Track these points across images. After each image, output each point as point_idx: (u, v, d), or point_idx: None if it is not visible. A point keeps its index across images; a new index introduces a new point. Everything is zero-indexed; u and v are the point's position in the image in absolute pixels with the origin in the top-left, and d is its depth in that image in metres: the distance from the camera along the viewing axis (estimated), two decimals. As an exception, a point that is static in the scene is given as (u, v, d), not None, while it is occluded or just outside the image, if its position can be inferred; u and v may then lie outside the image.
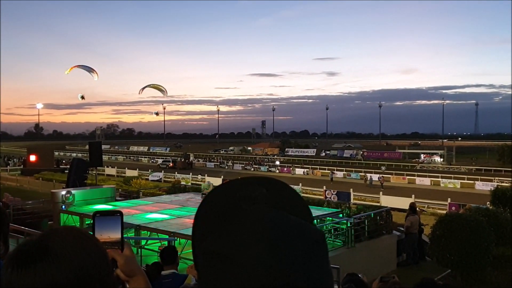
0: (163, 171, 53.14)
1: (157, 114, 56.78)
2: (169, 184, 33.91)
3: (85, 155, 39.40)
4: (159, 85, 33.06)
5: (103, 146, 36.46)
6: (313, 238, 0.69)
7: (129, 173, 51.42)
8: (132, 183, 36.48)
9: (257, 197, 0.74)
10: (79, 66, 29.52)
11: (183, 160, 71.53)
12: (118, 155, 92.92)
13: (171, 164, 65.06)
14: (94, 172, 24.80)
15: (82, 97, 37.99)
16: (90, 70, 29.87)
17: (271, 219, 0.68)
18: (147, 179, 45.39)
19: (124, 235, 1.16)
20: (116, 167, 57.76)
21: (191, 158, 76.53)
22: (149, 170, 55.43)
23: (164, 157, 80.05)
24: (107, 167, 55.72)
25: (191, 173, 49.39)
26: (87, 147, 30.21)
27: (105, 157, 52.06)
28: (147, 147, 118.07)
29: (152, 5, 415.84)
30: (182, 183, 37.09)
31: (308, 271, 0.65)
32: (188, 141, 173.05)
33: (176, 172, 51.58)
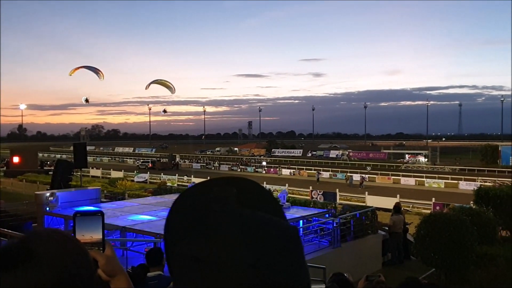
0: (148, 172, 52.88)
1: (164, 111, 54.24)
2: (155, 185, 33.76)
3: (70, 156, 38.99)
4: (167, 81, 31.32)
5: (88, 147, 36.02)
6: (288, 234, 0.69)
7: (115, 174, 51.04)
8: (117, 184, 36.22)
9: (228, 198, 0.73)
10: (83, 67, 28.55)
11: (161, 160, 71.85)
12: (103, 156, 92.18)
13: (150, 165, 65.53)
14: (79, 173, 24.54)
15: (87, 100, 36.91)
16: (95, 70, 28.80)
17: (246, 219, 0.68)
18: (133, 181, 45.10)
19: (109, 237, 1.15)
20: (101, 168, 57.30)
21: (177, 159, 76.27)
22: (135, 172, 55.11)
23: (150, 158, 79.76)
24: (92, 168, 55.26)
25: (177, 174, 49.22)
26: (71, 148, 29.89)
27: (90, 158, 51.59)
28: (132, 148, 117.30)
29: (138, 6, 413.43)
30: (168, 184, 37.01)
31: (288, 268, 0.66)
32: (174, 142, 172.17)
33: (162, 174, 51.37)
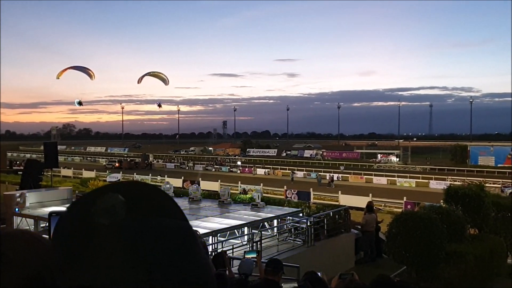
0: (121, 172, 52.20)
1: (159, 105, 51.87)
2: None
3: (40, 156, 38.13)
4: (161, 73, 30.02)
5: (59, 147, 35.28)
6: (180, 235, 0.66)
7: (86, 174, 50.22)
8: (89, 184, 35.64)
9: (114, 208, 0.67)
10: (71, 68, 27.00)
11: (128, 160, 71.58)
12: (75, 156, 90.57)
13: (117, 164, 65.36)
14: (50, 173, 24.06)
15: (80, 103, 35.24)
16: (84, 70, 27.33)
17: (130, 233, 0.63)
18: (105, 180, 44.46)
19: None
20: (72, 168, 56.29)
21: (151, 159, 75.54)
22: (107, 171, 54.33)
23: (117, 158, 79.14)
24: (63, 168, 54.23)
25: (150, 174, 48.76)
26: (42, 147, 29.23)
27: (61, 158, 50.74)
28: (104, 148, 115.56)
29: (111, 4, 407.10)
30: (141, 184, 36.56)
31: (184, 270, 0.63)
32: (148, 142, 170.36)
33: (135, 173, 50.79)
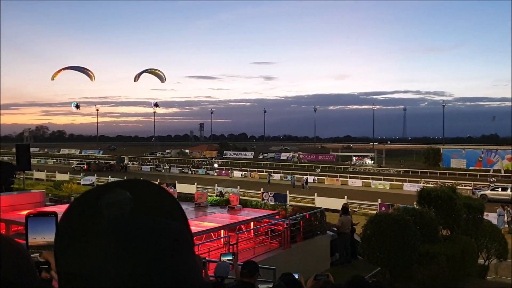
0: (95, 174, 51.42)
1: (156, 105, 49.49)
2: (103, 188, 32.87)
3: (12, 158, 37.28)
4: (158, 70, 29.14)
5: (32, 149, 34.52)
6: (171, 235, 0.67)
7: (60, 177, 49.25)
8: (63, 187, 35.08)
9: (120, 203, 0.70)
10: (68, 68, 25.54)
11: (97, 162, 71.22)
12: (48, 158, 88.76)
13: (85, 167, 65.05)
14: (22, 176, 23.54)
15: (77, 106, 33.83)
16: (83, 71, 25.74)
17: (122, 225, 0.66)
18: (79, 183, 43.75)
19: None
20: (45, 171, 55.11)
21: (126, 161, 74.66)
22: (81, 174, 53.44)
23: (97, 160, 77.97)
24: (36, 171, 53.08)
25: (125, 177, 47.98)
26: (14, 149, 28.54)
27: (33, 161, 49.59)
28: (79, 150, 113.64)
29: (86, 4, 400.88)
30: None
31: (168, 271, 0.63)
32: (123, 144, 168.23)
33: (109, 176, 50.11)
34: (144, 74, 28.68)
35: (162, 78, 29.41)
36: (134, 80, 28.63)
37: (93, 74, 26.28)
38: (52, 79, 25.41)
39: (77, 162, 73.97)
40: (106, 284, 0.61)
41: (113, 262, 0.61)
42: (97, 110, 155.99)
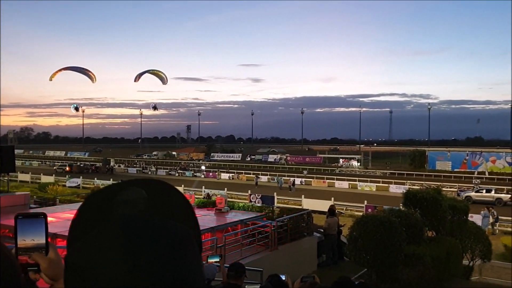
0: (81, 177, 50.97)
1: (154, 108, 47.99)
2: (88, 190, 32.65)
3: (-5, 160, 36.67)
4: (160, 71, 28.31)
5: (16, 151, 34.01)
6: (175, 238, 0.67)
7: (45, 179, 48.74)
8: (48, 189, 34.69)
9: (135, 201, 0.72)
10: (68, 68, 24.60)
11: (79, 164, 71.22)
12: (33, 160, 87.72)
13: (67, 168, 64.94)
14: (6, 178, 23.20)
15: (76, 109, 32.61)
16: (83, 71, 24.69)
17: (129, 223, 0.67)
18: (65, 185, 43.37)
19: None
20: (30, 173, 54.46)
21: (112, 163, 74.12)
22: (66, 176, 52.95)
23: (78, 162, 77.65)
24: (21, 173, 52.41)
25: (111, 179, 47.80)
26: (-3, 151, 28.09)
27: (18, 162, 48.88)
28: (64, 152, 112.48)
29: (73, 5, 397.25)
30: (102, 189, 35.89)
31: (169, 272, 0.64)
32: (109, 146, 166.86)
33: (95, 178, 49.72)
34: (146, 74, 27.91)
35: (163, 80, 28.81)
36: (135, 81, 27.87)
37: (94, 75, 25.41)
38: (50, 79, 24.57)
39: (59, 163, 73.40)
40: (104, 278, 0.62)
41: (114, 258, 0.63)
42: (83, 111, 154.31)
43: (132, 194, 0.73)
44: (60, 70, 24.44)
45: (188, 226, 0.73)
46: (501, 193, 38.47)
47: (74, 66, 25.17)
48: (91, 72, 25.18)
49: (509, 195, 37.81)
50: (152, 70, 28.65)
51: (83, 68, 25.23)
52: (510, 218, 27.07)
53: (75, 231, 0.72)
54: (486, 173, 58.01)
